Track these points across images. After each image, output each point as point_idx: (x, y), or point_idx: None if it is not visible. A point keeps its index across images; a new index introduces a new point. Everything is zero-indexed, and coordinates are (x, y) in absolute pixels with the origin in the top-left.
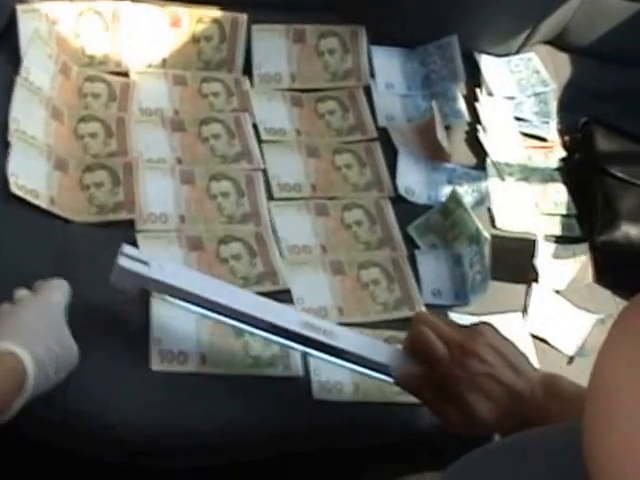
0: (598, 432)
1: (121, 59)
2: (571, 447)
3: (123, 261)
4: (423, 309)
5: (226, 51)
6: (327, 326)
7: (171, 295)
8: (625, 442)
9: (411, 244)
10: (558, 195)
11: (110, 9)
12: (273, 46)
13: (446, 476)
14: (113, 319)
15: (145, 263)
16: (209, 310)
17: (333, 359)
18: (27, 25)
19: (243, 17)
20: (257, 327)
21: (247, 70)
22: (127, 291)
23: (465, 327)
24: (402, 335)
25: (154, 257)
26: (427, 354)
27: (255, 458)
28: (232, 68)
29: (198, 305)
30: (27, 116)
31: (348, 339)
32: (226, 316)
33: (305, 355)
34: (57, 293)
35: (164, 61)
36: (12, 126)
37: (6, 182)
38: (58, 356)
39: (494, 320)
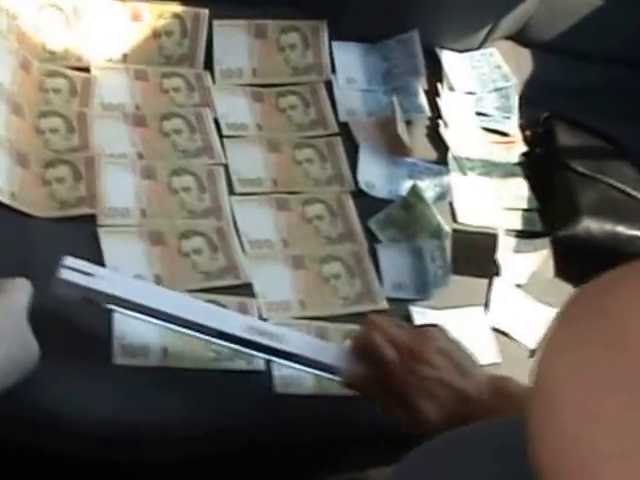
0: (541, 426)
1: (82, 54)
2: (514, 440)
3: (65, 273)
4: (384, 303)
5: (187, 46)
6: (274, 330)
7: (115, 305)
8: (567, 437)
9: (372, 238)
10: (519, 190)
11: (71, 4)
12: (234, 41)
13: (395, 470)
14: (75, 314)
15: (88, 274)
16: (155, 318)
17: (281, 361)
18: None
19: (204, 12)
20: (204, 333)
21: (208, 65)
22: (71, 300)
23: (417, 327)
24: None
25: (97, 268)
26: (376, 358)
27: (218, 451)
28: (193, 63)
29: (143, 314)
30: None
31: (295, 342)
32: (172, 324)
33: None
34: (20, 293)
35: (125, 56)
36: None
37: None
38: (19, 355)
39: (456, 314)
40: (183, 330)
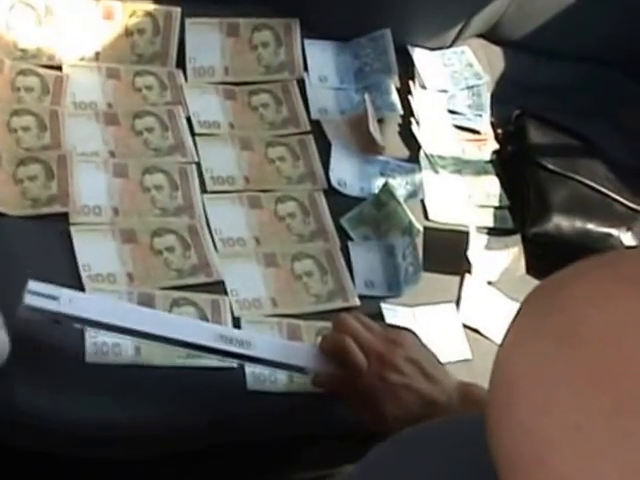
0: (498, 418)
1: (54, 52)
2: (474, 436)
3: (30, 299)
4: (356, 300)
5: (159, 44)
6: (243, 336)
7: (84, 325)
8: (521, 429)
9: (344, 236)
10: (491, 187)
11: (43, 2)
12: (207, 39)
13: (356, 467)
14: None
15: (54, 298)
16: (125, 334)
17: (252, 364)
18: None
19: (177, 10)
20: (175, 345)
21: (181, 63)
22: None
23: (390, 328)
24: None
25: (62, 290)
26: (345, 361)
27: (192, 449)
28: (166, 61)
29: (112, 331)
30: None
31: (264, 347)
32: (143, 338)
33: None
34: None
35: (97, 54)
36: None
37: None
38: None
39: (427, 311)
40: (154, 343)
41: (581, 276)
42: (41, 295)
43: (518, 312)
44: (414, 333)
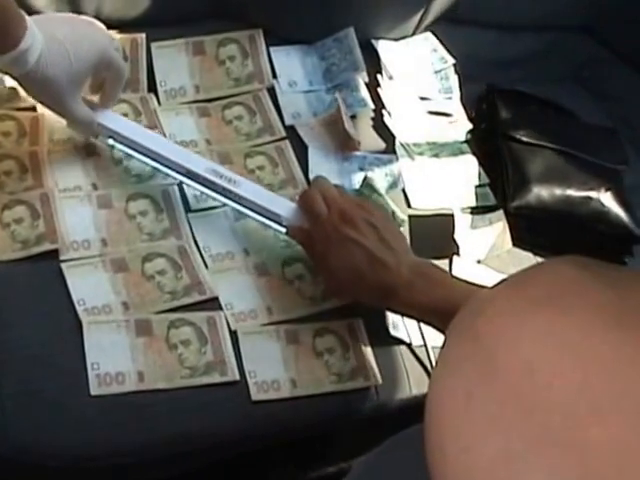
0: (431, 453)
1: (26, 94)
2: None
3: None
4: None
5: (129, 72)
6: (232, 175)
7: (111, 137)
8: (450, 468)
9: None
10: (469, 167)
11: None
12: (174, 61)
13: (354, 468)
14: (47, 351)
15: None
16: (137, 152)
17: (236, 206)
18: None
19: (142, 37)
20: (176, 172)
21: (152, 87)
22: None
23: (360, 199)
24: (333, 325)
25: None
26: (311, 211)
27: (206, 465)
28: (137, 88)
29: (130, 148)
30: None
31: (250, 188)
32: (153, 160)
33: (240, 358)
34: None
35: None
36: None
37: None
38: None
39: None
40: (159, 167)
41: (493, 302)
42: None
43: (444, 341)
44: (387, 215)
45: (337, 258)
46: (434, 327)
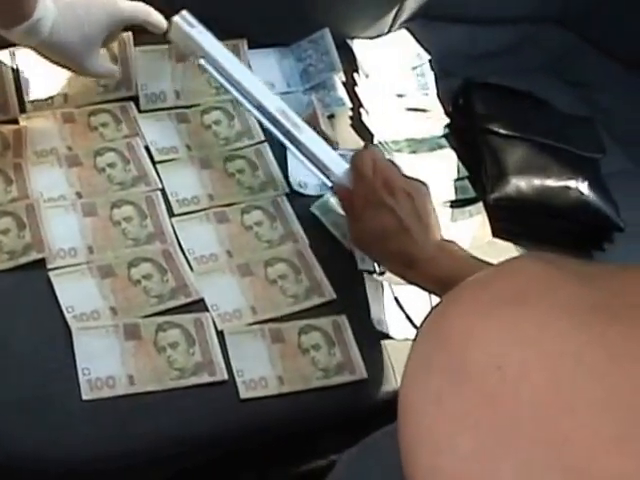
0: (405, 454)
1: (8, 107)
2: None
3: (177, 19)
4: (333, 294)
5: (119, 72)
6: (299, 121)
7: (203, 58)
8: (423, 469)
9: (312, 231)
10: (448, 161)
11: None
12: (156, 66)
13: (342, 459)
14: (38, 358)
15: (192, 26)
16: (222, 76)
17: (294, 149)
18: None
19: (129, 35)
20: (250, 103)
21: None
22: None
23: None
24: (318, 322)
25: (202, 28)
26: (359, 171)
27: (199, 465)
28: (130, 87)
29: (218, 72)
30: None
31: (311, 137)
32: (233, 87)
33: (227, 358)
34: None
35: (51, 101)
36: None
37: None
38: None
39: (404, 289)
40: (237, 95)
41: (459, 302)
42: (187, 22)
43: (414, 342)
44: (427, 189)
45: (370, 219)
46: None
